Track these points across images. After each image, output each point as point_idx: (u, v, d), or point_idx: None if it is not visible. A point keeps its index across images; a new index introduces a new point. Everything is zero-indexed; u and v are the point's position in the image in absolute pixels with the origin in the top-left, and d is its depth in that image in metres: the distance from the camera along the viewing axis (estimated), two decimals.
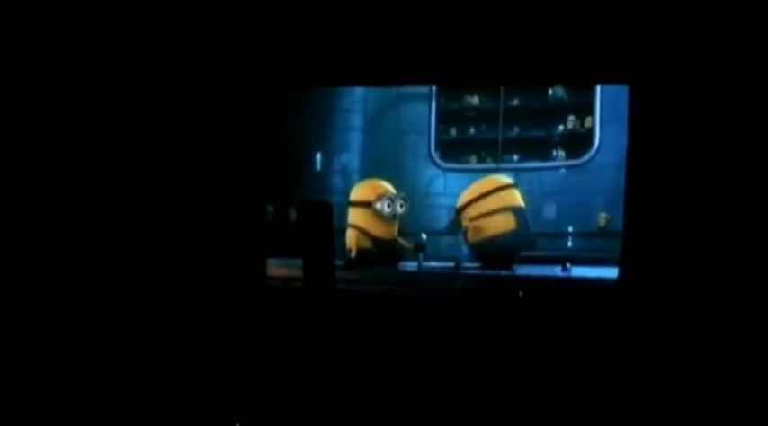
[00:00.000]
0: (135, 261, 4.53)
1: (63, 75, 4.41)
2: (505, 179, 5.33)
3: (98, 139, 4.55)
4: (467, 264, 5.37)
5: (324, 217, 4.94)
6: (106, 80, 4.55)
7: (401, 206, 5.49)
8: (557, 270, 5.12)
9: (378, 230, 5.54)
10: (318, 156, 6.27)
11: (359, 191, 5.69)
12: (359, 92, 6.35)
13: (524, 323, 4.44)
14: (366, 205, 5.52)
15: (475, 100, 6.37)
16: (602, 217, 5.26)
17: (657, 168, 4.25)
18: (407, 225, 5.73)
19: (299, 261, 4.85)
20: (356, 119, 6.34)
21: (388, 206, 5.46)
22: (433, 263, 5.48)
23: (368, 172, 6.12)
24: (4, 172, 4.21)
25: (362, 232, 5.55)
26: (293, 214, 5.64)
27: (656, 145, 4.28)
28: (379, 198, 5.48)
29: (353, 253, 5.53)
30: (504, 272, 5.15)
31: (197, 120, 4.74)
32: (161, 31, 4.65)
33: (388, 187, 5.55)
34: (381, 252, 5.53)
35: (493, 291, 4.86)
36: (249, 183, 4.92)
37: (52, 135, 4.36)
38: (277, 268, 4.98)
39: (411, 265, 5.47)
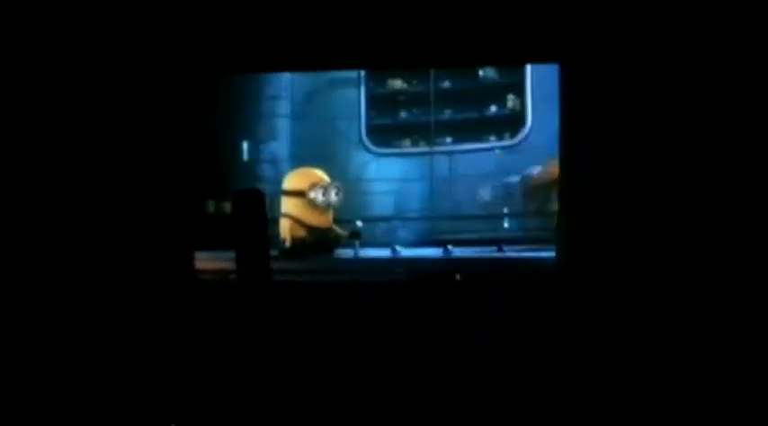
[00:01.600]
0: (55, 260, 4.49)
1: None
2: None
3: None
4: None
5: (256, 205, 4.92)
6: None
7: (335, 194, 5.55)
8: (493, 252, 5.26)
9: (312, 219, 5.58)
10: (245, 145, 6.27)
11: (292, 180, 5.72)
12: (285, 77, 6.35)
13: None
14: (300, 194, 5.57)
15: (399, 83, 6.41)
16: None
17: (590, 147, 4.33)
18: (341, 212, 5.78)
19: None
20: (284, 106, 6.34)
21: (323, 195, 5.51)
22: (370, 251, 5.52)
23: (298, 160, 6.16)
24: None
25: (296, 221, 5.59)
26: (228, 207, 5.60)
27: (588, 123, 4.37)
28: (313, 187, 5.52)
29: (288, 243, 5.56)
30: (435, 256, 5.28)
31: (114, 113, 4.68)
32: (71, 19, 4.57)
33: (322, 176, 5.60)
34: (316, 241, 5.59)
35: (430, 276, 4.91)
36: (171, 175, 4.87)
37: None
38: (210, 261, 4.98)
39: (347, 253, 5.55)
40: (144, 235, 4.64)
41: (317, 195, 5.51)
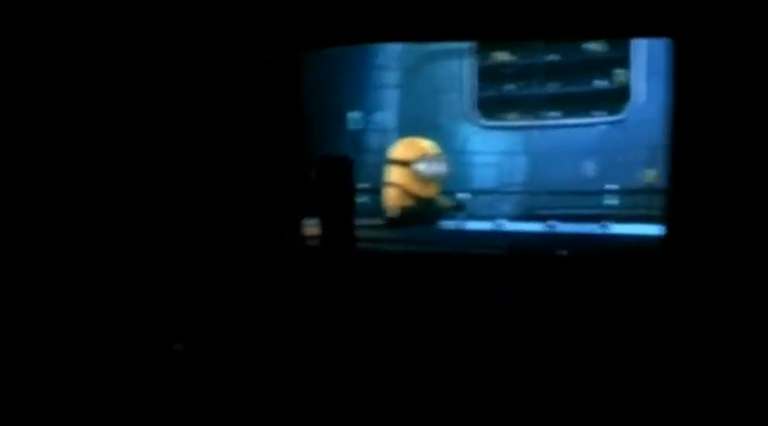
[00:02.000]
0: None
1: None
2: None
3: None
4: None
5: (342, 172, 5.04)
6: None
7: (441, 165, 5.60)
8: (595, 228, 5.32)
9: (418, 189, 5.69)
10: (352, 115, 6.34)
11: (399, 150, 5.92)
12: (395, 48, 6.39)
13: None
14: (406, 164, 5.76)
15: (506, 55, 6.42)
16: (650, 174, 5.34)
17: (701, 124, 4.32)
18: (447, 183, 5.89)
19: None
20: (392, 77, 6.39)
21: (428, 165, 5.58)
22: (472, 223, 5.69)
23: (405, 130, 6.23)
24: None
25: (402, 190, 5.74)
26: None
27: (700, 100, 4.35)
28: (420, 157, 5.60)
29: (393, 212, 5.65)
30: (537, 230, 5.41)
31: (236, 79, 4.83)
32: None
33: (428, 146, 5.68)
34: (421, 212, 5.68)
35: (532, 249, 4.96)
36: (278, 143, 5.00)
37: None
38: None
39: (450, 224, 5.72)
40: (252, 204, 4.83)
41: (422, 165, 5.61)
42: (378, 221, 5.78)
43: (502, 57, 6.44)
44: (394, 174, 5.87)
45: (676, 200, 4.44)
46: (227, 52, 4.93)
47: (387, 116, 6.40)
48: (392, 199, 5.82)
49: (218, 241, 4.88)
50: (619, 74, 6.13)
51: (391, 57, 6.47)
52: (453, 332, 4.51)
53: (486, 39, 6.00)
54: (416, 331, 4.53)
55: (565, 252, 4.83)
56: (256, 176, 5.04)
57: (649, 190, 5.28)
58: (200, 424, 3.85)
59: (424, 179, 5.78)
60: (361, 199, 6.09)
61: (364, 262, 4.93)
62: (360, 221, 5.75)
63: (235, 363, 4.22)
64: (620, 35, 5.47)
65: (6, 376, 3.91)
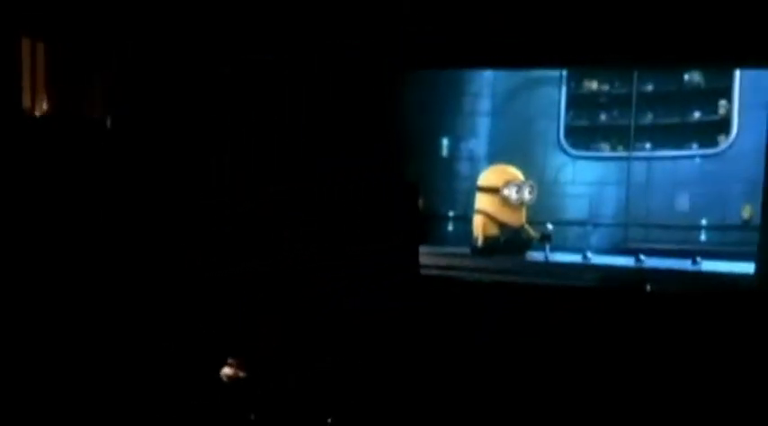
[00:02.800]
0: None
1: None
2: None
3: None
4: None
5: (408, 198, 5.05)
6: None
7: (529, 192, 5.64)
8: (686, 264, 5.19)
9: (505, 216, 5.70)
10: (445, 142, 6.37)
11: (487, 177, 5.96)
12: (487, 75, 6.40)
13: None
14: (494, 191, 5.82)
15: (599, 84, 6.34)
16: (746, 209, 5.22)
17: None
18: (534, 213, 5.86)
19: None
20: (484, 104, 6.40)
21: (516, 192, 5.61)
22: (560, 255, 5.64)
23: (495, 158, 6.21)
24: None
25: (490, 218, 5.78)
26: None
27: None
28: (507, 183, 5.63)
29: (480, 241, 5.66)
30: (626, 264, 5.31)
31: (330, 107, 4.90)
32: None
33: (516, 173, 5.79)
34: (508, 240, 5.74)
35: (619, 283, 4.91)
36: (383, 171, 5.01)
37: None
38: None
39: (537, 255, 5.67)
40: (364, 232, 5.04)
41: (510, 192, 5.65)
42: (465, 249, 5.78)
43: (595, 85, 6.50)
44: (481, 201, 5.88)
45: None
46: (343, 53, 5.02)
47: (478, 143, 6.38)
48: (479, 226, 5.82)
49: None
50: (718, 105, 6.12)
51: (484, 84, 6.45)
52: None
53: (582, 64, 5.99)
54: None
55: (648, 288, 4.74)
56: (266, 177, 5.04)
57: (744, 226, 5.20)
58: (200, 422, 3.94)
59: (511, 205, 5.77)
60: (450, 227, 6.19)
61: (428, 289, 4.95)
62: (446, 249, 5.85)
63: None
64: (723, 63, 5.36)
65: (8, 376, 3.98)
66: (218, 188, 4.85)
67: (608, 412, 4.15)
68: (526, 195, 5.70)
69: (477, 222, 5.81)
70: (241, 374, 3.99)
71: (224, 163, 4.92)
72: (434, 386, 4.40)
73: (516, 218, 5.75)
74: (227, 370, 4.00)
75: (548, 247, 5.58)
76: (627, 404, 4.23)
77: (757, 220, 4.81)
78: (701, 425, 4.07)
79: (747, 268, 4.54)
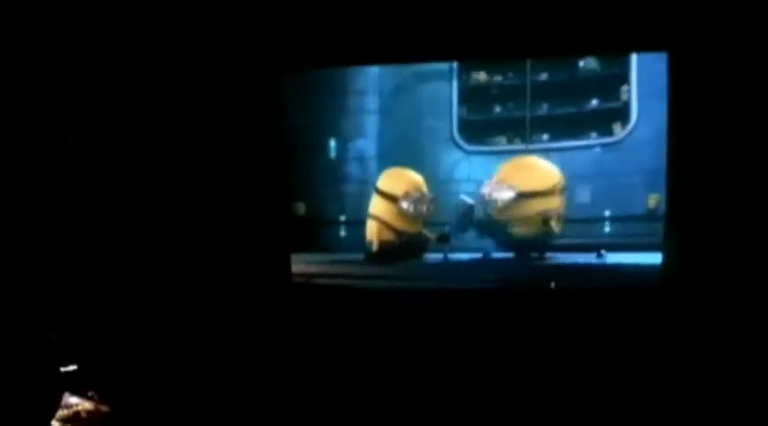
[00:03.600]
0: (150, 260, 4.61)
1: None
2: None
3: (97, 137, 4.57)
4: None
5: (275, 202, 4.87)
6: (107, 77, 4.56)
7: (427, 208, 5.50)
8: (591, 258, 5.03)
9: (402, 224, 5.52)
10: (332, 143, 6.10)
11: (385, 182, 5.65)
12: (373, 71, 6.14)
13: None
14: (392, 199, 5.52)
15: (492, 76, 6.15)
16: (652, 198, 5.07)
17: (702, 143, 4.09)
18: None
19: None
20: (371, 102, 6.14)
21: (414, 208, 5.47)
22: (460, 255, 5.37)
23: (387, 158, 5.97)
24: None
25: (385, 224, 5.52)
26: (300, 208, 5.49)
27: (700, 117, 4.12)
28: (407, 196, 5.49)
29: (375, 246, 5.49)
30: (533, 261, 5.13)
31: (207, 112, 4.74)
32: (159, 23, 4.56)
33: (418, 181, 5.55)
34: (404, 245, 5.49)
35: (522, 282, 4.75)
36: (259, 176, 4.83)
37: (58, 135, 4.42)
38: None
39: (436, 257, 5.41)
40: (238, 239, 4.70)
41: (408, 207, 5.48)
42: (358, 256, 5.50)
43: (488, 77, 6.29)
44: (377, 206, 5.58)
45: (675, 227, 4.13)
46: (219, 55, 4.76)
47: (367, 143, 6.19)
48: (374, 232, 5.52)
49: (219, 241, 4.68)
50: (617, 92, 5.86)
51: (370, 81, 6.28)
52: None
53: (472, 57, 5.74)
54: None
55: (552, 285, 4.53)
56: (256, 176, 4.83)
57: (650, 217, 5.04)
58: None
59: (409, 216, 5.51)
60: (343, 233, 5.93)
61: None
62: (337, 256, 5.57)
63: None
64: (617, 49, 5.21)
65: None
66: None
67: (512, 418, 3.97)
68: (424, 210, 5.44)
69: (372, 227, 5.51)
70: (103, 408, 3.57)
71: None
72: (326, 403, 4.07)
73: (413, 226, 5.50)
74: (87, 405, 3.56)
75: (446, 248, 5.30)
76: (533, 408, 3.97)
77: (663, 210, 4.61)
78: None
79: (654, 259, 4.33)
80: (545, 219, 5.19)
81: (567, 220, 5.29)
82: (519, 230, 5.26)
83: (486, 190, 5.47)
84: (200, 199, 4.70)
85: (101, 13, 4.48)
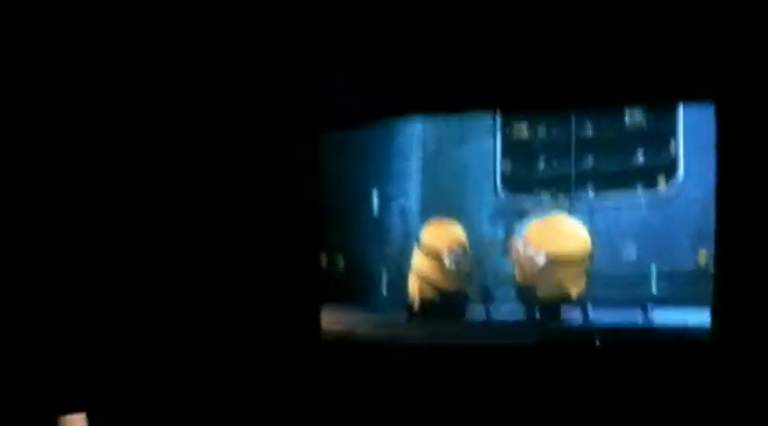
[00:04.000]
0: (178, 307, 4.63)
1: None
2: None
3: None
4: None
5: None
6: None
7: (470, 265, 5.43)
8: (637, 316, 4.88)
9: (444, 282, 5.43)
10: (375, 199, 6.03)
11: (428, 235, 5.61)
12: (417, 128, 6.09)
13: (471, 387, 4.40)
14: (434, 255, 5.47)
15: (536, 130, 6.06)
16: (702, 255, 4.93)
17: (752, 198, 3.96)
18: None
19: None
20: (414, 158, 6.09)
21: (456, 263, 5.40)
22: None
23: (429, 213, 5.88)
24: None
25: (427, 281, 5.45)
26: (341, 261, 5.44)
27: (749, 171, 4.00)
28: (450, 252, 5.43)
29: (417, 305, 5.42)
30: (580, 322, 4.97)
31: (246, 166, 4.68)
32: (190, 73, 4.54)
33: (460, 237, 5.50)
34: (446, 304, 5.40)
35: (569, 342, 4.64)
36: (305, 232, 4.98)
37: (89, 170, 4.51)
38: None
39: (479, 315, 5.34)
40: (275, 294, 4.73)
41: (450, 261, 5.42)
42: (400, 317, 5.48)
43: (532, 132, 6.10)
44: (419, 263, 5.50)
45: (725, 284, 3.99)
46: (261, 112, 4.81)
47: (410, 198, 6.07)
48: (415, 289, 5.44)
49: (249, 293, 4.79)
50: (663, 147, 5.68)
51: (414, 137, 6.15)
52: None
53: (514, 109, 5.75)
54: None
55: (598, 343, 4.40)
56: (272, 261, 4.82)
57: (701, 274, 4.82)
58: None
59: (452, 273, 5.41)
60: (384, 291, 5.74)
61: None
62: (378, 316, 5.49)
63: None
64: (662, 100, 5.11)
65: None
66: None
67: None
68: (465, 263, 5.38)
69: (414, 284, 5.46)
70: None
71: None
72: None
73: (455, 283, 5.44)
74: None
75: (490, 307, 5.20)
76: None
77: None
78: None
79: (702, 317, 4.21)
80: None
81: (613, 277, 5.18)
82: (545, 293, 5.15)
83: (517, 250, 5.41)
84: (232, 250, 4.69)
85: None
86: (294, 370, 4.57)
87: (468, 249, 5.46)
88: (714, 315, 4.07)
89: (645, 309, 4.87)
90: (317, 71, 4.80)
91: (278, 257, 4.83)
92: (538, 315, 5.11)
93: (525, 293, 5.21)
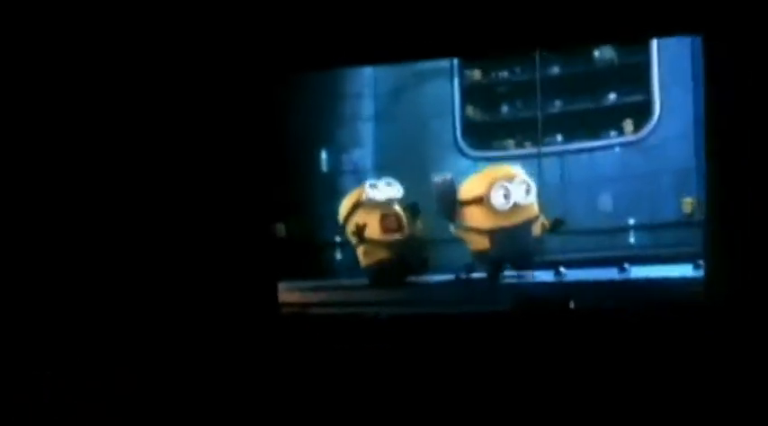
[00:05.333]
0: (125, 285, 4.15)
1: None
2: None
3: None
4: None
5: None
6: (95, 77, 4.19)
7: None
8: (612, 273, 4.59)
9: (389, 245, 5.00)
10: (324, 155, 5.72)
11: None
12: (367, 73, 5.68)
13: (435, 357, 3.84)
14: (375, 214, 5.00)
15: (498, 72, 5.67)
16: (688, 203, 4.72)
17: (744, 137, 3.57)
18: (435, 230, 5.13)
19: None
20: (366, 106, 5.68)
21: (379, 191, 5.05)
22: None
23: (384, 170, 5.47)
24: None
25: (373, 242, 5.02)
26: (281, 230, 5.04)
27: (740, 107, 3.60)
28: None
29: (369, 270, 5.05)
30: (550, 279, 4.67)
31: (189, 122, 4.32)
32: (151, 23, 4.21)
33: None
34: (399, 262, 4.96)
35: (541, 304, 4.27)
36: (251, 193, 4.43)
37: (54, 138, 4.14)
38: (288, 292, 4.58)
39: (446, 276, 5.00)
40: (225, 266, 4.24)
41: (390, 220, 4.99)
42: (362, 281, 5.08)
43: (494, 74, 5.85)
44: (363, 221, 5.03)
45: (718, 235, 3.61)
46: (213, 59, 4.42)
47: (363, 153, 5.81)
48: (360, 252, 5.04)
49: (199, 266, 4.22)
50: (637, 85, 5.40)
51: (365, 83, 5.86)
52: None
53: (477, 53, 5.30)
54: None
55: (572, 304, 4.05)
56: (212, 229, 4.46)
57: (686, 224, 4.60)
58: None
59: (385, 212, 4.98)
60: (338, 255, 5.54)
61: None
62: (335, 282, 5.19)
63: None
64: (639, 36, 4.75)
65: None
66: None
67: None
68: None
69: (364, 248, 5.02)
70: None
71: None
72: None
73: (399, 246, 4.96)
74: None
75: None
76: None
77: (701, 215, 4.15)
78: None
79: (684, 271, 3.87)
80: None
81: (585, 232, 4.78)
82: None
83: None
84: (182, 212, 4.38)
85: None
86: (253, 344, 4.21)
87: (407, 209, 5.06)
88: (708, 266, 3.68)
89: (621, 266, 4.58)
90: (270, 18, 4.42)
91: (231, 226, 4.47)
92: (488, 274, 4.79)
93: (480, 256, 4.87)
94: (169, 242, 4.38)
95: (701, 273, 4.00)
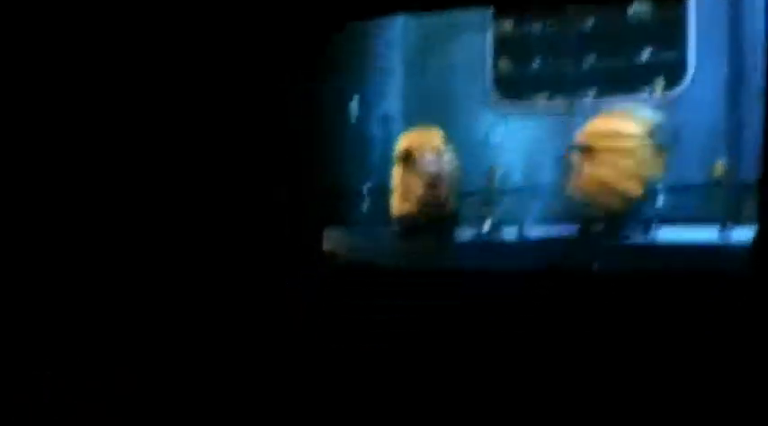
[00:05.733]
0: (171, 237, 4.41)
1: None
2: None
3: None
4: None
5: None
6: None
7: (448, 163, 5.04)
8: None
9: (424, 191, 5.00)
10: (352, 105, 5.62)
11: (402, 144, 5.22)
12: (398, 23, 5.75)
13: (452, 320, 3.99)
14: (408, 160, 5.07)
15: (531, 25, 5.61)
16: (719, 165, 4.63)
17: None
18: (462, 183, 5.14)
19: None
20: (396, 59, 5.67)
21: (434, 162, 5.00)
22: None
23: (413, 119, 5.49)
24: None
25: (407, 194, 5.06)
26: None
27: None
28: (423, 152, 5.02)
29: (400, 221, 5.10)
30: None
31: (236, 74, 4.49)
32: None
33: (435, 137, 5.11)
34: (429, 220, 5.00)
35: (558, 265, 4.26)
36: (278, 144, 4.60)
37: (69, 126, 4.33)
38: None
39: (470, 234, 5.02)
40: (261, 217, 4.44)
41: (427, 162, 4.98)
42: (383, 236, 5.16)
43: (527, 27, 5.68)
44: (396, 174, 5.12)
45: None
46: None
47: (392, 103, 5.74)
48: (396, 205, 5.08)
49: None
50: (671, 43, 5.23)
51: (395, 34, 5.76)
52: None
53: (511, 3, 5.51)
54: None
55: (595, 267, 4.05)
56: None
57: (716, 185, 4.55)
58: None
59: (430, 178, 4.97)
60: (367, 204, 5.47)
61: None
62: (364, 230, 5.22)
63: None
64: None
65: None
66: None
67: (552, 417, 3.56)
68: (444, 163, 4.99)
69: (394, 199, 5.11)
70: None
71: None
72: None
73: (436, 192, 5.00)
74: None
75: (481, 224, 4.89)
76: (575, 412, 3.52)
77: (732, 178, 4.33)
78: None
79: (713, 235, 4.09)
80: None
81: None
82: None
83: None
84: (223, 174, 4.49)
85: None
86: (297, 296, 4.26)
87: (443, 150, 5.09)
88: (761, 232, 3.57)
89: (647, 225, 4.53)
90: None
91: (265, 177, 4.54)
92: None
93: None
94: (206, 199, 4.52)
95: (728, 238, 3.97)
